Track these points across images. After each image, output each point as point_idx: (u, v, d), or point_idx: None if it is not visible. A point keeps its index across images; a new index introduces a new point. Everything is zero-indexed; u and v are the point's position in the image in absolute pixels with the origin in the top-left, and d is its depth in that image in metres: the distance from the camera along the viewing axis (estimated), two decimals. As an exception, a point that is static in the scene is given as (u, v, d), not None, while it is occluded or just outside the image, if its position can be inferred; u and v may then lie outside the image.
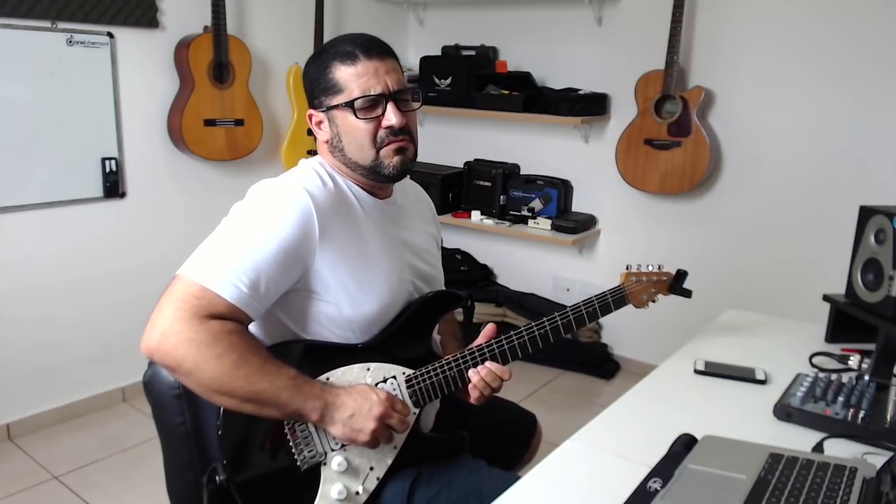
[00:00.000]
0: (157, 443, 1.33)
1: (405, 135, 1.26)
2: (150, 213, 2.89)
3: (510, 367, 1.29)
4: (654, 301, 1.42)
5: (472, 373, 1.26)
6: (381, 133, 1.24)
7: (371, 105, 1.23)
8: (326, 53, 1.26)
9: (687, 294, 1.45)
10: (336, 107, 1.24)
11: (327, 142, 1.29)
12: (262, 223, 1.16)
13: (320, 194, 1.21)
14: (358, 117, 1.22)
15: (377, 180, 1.29)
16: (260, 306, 1.16)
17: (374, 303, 1.25)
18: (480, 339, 1.30)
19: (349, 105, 1.22)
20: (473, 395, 1.28)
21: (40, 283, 2.62)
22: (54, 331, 2.68)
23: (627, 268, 1.42)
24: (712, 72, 2.96)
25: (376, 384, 1.24)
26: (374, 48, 1.24)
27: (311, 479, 1.21)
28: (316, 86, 1.27)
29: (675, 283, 1.44)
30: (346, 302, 1.23)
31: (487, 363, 1.27)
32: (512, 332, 1.30)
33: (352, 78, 1.22)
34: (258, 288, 1.14)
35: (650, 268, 1.43)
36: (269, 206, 1.18)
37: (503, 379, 1.28)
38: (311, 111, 1.30)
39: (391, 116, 1.23)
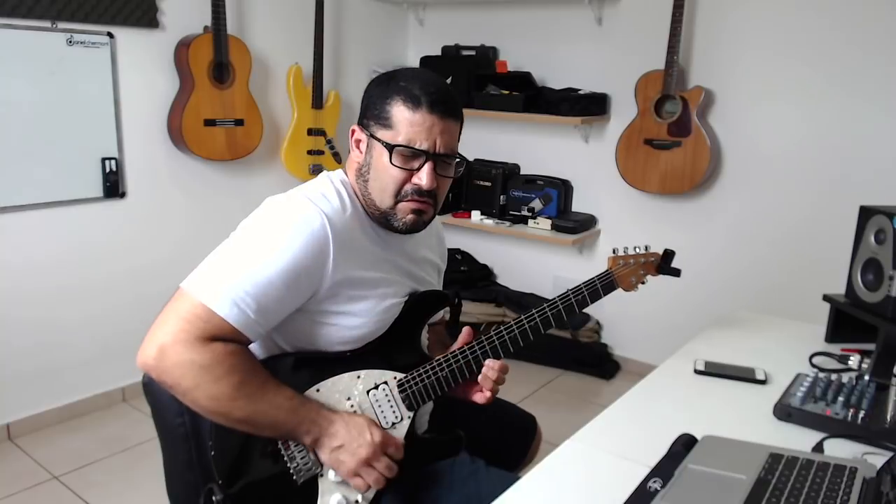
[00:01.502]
0: (157, 443, 1.33)
1: (430, 198, 1.22)
2: (150, 214, 2.89)
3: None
4: (643, 283, 1.40)
5: (484, 373, 1.25)
6: (408, 188, 1.20)
7: (410, 156, 1.19)
8: (395, 84, 1.20)
9: (675, 273, 1.43)
10: (379, 139, 1.20)
11: (358, 164, 1.25)
12: (275, 245, 1.13)
13: (339, 220, 1.18)
14: (392, 163, 1.18)
15: (384, 226, 1.25)
16: (262, 330, 1.15)
17: (371, 328, 1.24)
18: (460, 343, 1.29)
19: (389, 147, 1.19)
20: (486, 397, 1.27)
21: (40, 283, 2.62)
22: (54, 331, 2.68)
23: (614, 251, 1.40)
24: (712, 72, 2.96)
25: (368, 391, 1.23)
26: (439, 104, 1.18)
27: (308, 491, 1.19)
28: (371, 108, 1.22)
29: (663, 263, 1.43)
30: (343, 325, 1.21)
31: (489, 361, 1.25)
32: (502, 327, 1.28)
33: (405, 122, 1.17)
34: (265, 312, 1.12)
35: (637, 250, 1.41)
36: (285, 227, 1.14)
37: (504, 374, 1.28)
38: (357, 127, 1.26)
39: (423, 177, 1.19)
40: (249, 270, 1.11)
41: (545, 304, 1.29)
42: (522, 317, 1.29)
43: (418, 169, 1.19)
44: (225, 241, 1.17)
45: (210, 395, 1.09)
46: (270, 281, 1.11)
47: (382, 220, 1.24)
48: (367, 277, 1.22)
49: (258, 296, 1.11)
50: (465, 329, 1.30)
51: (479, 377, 1.26)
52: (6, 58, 2.39)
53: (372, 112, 1.22)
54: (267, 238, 1.14)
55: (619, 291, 1.37)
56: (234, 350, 1.11)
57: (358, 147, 1.25)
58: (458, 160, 1.25)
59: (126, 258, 2.84)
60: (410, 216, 1.22)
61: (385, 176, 1.20)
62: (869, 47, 2.62)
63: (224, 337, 1.10)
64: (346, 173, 1.29)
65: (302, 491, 1.19)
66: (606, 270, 1.36)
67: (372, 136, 1.21)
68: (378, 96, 1.21)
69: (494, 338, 1.27)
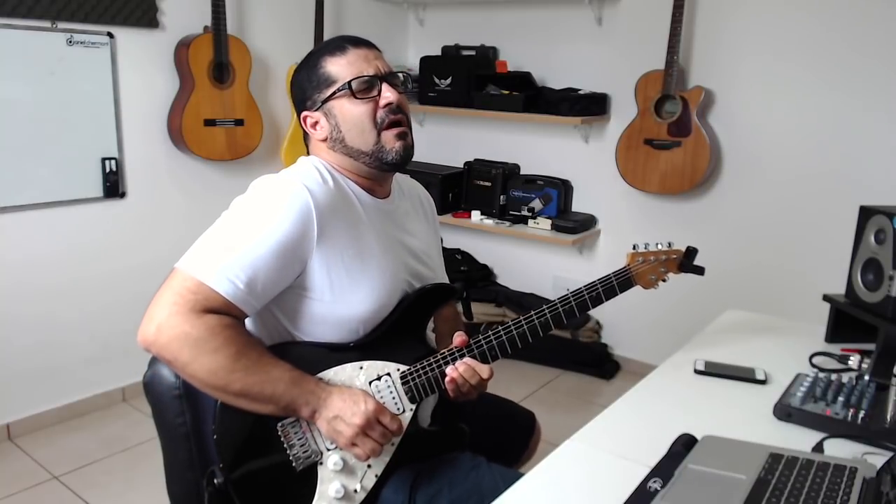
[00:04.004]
0: (157, 443, 1.33)
1: (403, 115, 1.28)
2: (150, 213, 2.89)
3: (497, 366, 1.27)
4: (664, 280, 1.38)
5: (449, 369, 1.24)
6: (381, 113, 1.25)
7: (367, 87, 1.24)
8: (315, 54, 1.29)
9: (699, 271, 1.40)
10: (332, 97, 1.25)
11: (325, 139, 1.28)
12: (262, 219, 1.16)
13: (320, 192, 1.20)
14: (357, 97, 1.24)
15: (380, 168, 1.28)
16: (256, 303, 1.16)
17: (369, 304, 1.24)
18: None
19: (344, 90, 1.24)
20: (450, 389, 1.25)
21: (40, 283, 2.62)
22: (54, 330, 2.68)
23: (634, 247, 1.38)
24: (712, 72, 2.96)
25: (370, 382, 1.23)
26: (360, 40, 1.28)
27: (308, 479, 1.21)
28: (308, 86, 1.28)
29: (686, 261, 1.40)
30: (340, 302, 1.22)
31: (466, 359, 1.25)
32: (510, 322, 1.28)
33: (344, 66, 1.25)
34: (255, 285, 1.14)
35: (659, 246, 1.38)
36: (269, 202, 1.18)
37: (482, 377, 1.24)
38: (306, 113, 1.29)
39: (388, 94, 1.25)
40: (238, 245, 1.14)
41: (556, 300, 1.29)
42: (532, 313, 1.28)
43: (379, 94, 1.25)
44: (216, 221, 1.20)
45: (208, 367, 1.11)
46: (260, 255, 1.14)
47: (375, 164, 1.27)
48: (358, 248, 1.24)
49: (248, 268, 1.13)
50: (459, 338, 1.28)
51: (448, 369, 1.24)
52: (6, 58, 2.39)
53: (310, 88, 1.28)
54: (255, 214, 1.17)
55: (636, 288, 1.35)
56: (229, 323, 1.13)
57: (315, 127, 1.29)
58: (401, 76, 1.31)
59: (126, 258, 2.84)
60: (398, 143, 1.27)
61: (356, 117, 1.25)
62: (869, 48, 2.62)
63: (217, 310, 1.12)
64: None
65: (301, 478, 1.20)
66: (624, 267, 1.35)
67: (324, 102, 1.26)
68: (307, 73, 1.28)
69: (502, 332, 1.27)
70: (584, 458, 1.14)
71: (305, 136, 1.34)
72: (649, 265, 1.37)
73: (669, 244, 1.40)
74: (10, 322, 2.57)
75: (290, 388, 1.15)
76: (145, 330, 1.12)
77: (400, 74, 1.31)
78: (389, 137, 1.26)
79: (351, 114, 1.25)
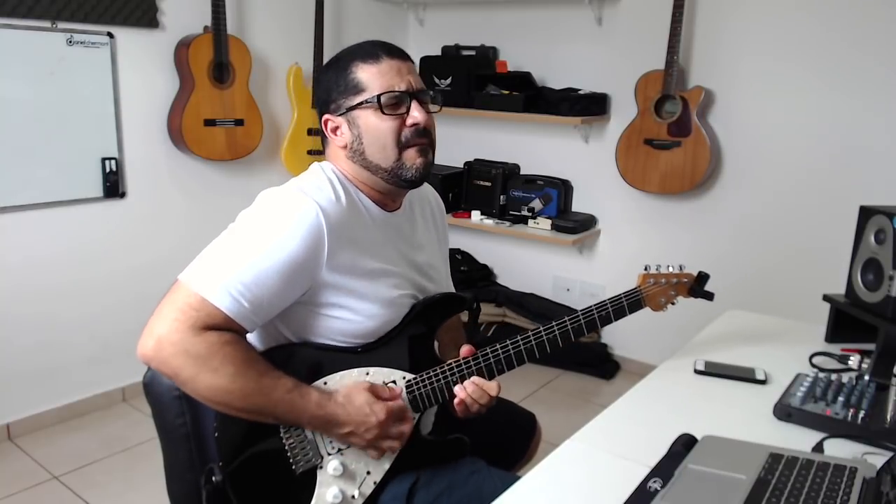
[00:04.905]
0: (157, 443, 1.33)
1: (428, 137, 1.24)
2: (150, 213, 2.89)
3: (499, 379, 1.27)
4: (672, 303, 1.38)
5: (457, 389, 1.23)
6: (406, 132, 1.21)
7: (395, 103, 1.20)
8: (346, 56, 1.23)
9: (709, 297, 1.40)
10: (358, 106, 1.20)
11: (345, 147, 1.24)
12: (270, 236, 1.13)
13: (333, 210, 1.17)
14: (384, 113, 1.19)
15: (397, 185, 1.25)
16: (259, 320, 1.15)
17: (376, 319, 1.23)
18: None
19: (372, 102, 1.19)
20: (459, 410, 1.25)
21: (40, 283, 2.62)
22: (54, 331, 2.68)
23: (646, 269, 1.37)
24: (712, 72, 2.96)
25: None
26: (395, 50, 1.23)
27: (306, 482, 1.20)
28: (335, 88, 1.23)
29: (696, 286, 1.40)
30: (347, 317, 1.21)
31: (474, 378, 1.24)
32: (519, 337, 1.27)
33: (375, 76, 1.20)
34: (259, 303, 1.12)
35: (670, 268, 1.38)
36: (279, 218, 1.14)
37: (491, 394, 1.24)
38: (328, 116, 1.25)
39: (416, 114, 1.20)
40: (245, 261, 1.12)
41: (566, 318, 1.28)
42: (542, 328, 1.27)
43: (407, 112, 1.20)
44: (222, 233, 1.17)
45: (208, 385, 1.10)
46: (265, 272, 1.11)
47: (392, 180, 1.23)
48: (367, 266, 1.22)
49: (252, 286, 1.11)
50: (466, 349, 1.28)
51: (456, 388, 1.24)
52: (6, 58, 2.39)
53: (337, 92, 1.23)
54: (263, 230, 1.14)
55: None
56: (230, 340, 1.11)
57: (336, 133, 1.25)
58: (432, 93, 1.27)
59: (126, 258, 2.84)
60: (419, 160, 1.23)
61: (380, 132, 1.20)
62: (869, 47, 2.62)
63: (218, 326, 1.11)
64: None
65: (300, 480, 1.20)
66: (635, 288, 1.35)
67: (349, 109, 1.22)
68: (336, 75, 1.23)
69: (510, 347, 1.26)
70: (584, 458, 1.14)
71: (324, 138, 1.30)
72: (660, 287, 1.36)
73: (681, 267, 1.39)
74: (10, 322, 2.56)
75: (291, 409, 1.14)
76: (145, 344, 1.10)
77: (430, 92, 1.26)
78: (411, 154, 1.22)
79: (375, 128, 1.20)
